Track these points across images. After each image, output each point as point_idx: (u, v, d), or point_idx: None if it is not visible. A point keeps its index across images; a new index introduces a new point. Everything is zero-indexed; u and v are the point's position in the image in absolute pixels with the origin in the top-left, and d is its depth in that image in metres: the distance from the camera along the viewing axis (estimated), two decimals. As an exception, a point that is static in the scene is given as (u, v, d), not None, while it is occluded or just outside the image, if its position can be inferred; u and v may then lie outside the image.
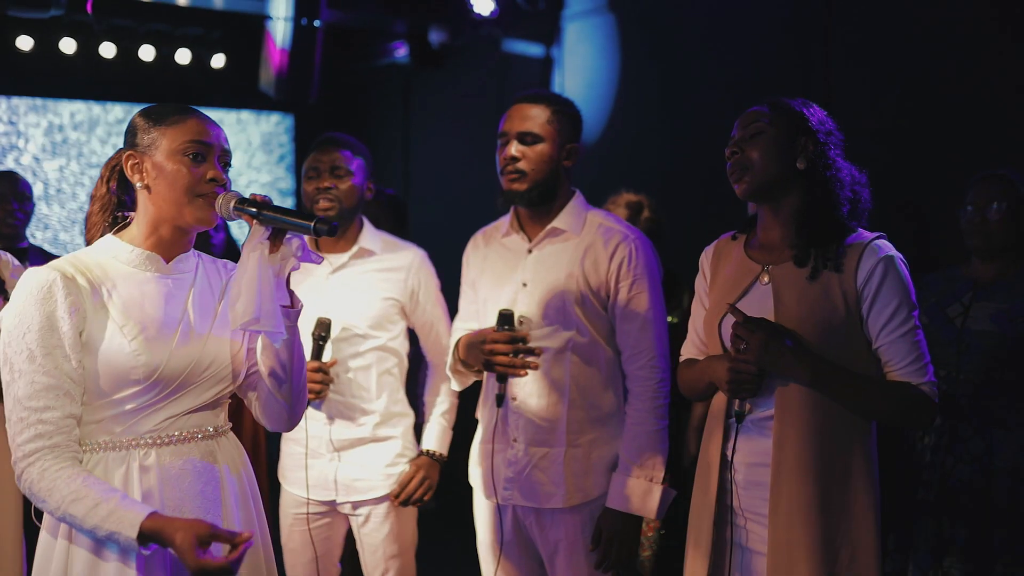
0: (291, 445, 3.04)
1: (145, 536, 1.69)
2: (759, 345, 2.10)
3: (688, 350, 2.45)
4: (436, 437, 3.05)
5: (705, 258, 2.41)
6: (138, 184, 1.91)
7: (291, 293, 1.89)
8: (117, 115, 6.24)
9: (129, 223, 1.96)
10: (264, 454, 4.22)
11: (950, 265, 3.06)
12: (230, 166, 1.96)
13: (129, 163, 1.91)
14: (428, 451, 3.04)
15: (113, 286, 1.87)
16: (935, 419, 2.21)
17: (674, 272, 3.73)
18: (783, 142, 2.19)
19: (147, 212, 1.92)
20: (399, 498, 2.97)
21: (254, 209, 1.85)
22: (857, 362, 2.15)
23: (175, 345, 1.87)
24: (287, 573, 3.08)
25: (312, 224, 1.81)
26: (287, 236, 1.86)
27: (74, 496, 1.73)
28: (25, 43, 5.54)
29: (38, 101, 5.89)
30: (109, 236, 1.95)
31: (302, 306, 1.92)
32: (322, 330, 2.85)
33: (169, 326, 1.89)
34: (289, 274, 1.88)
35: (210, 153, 1.90)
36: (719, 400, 2.27)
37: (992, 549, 2.78)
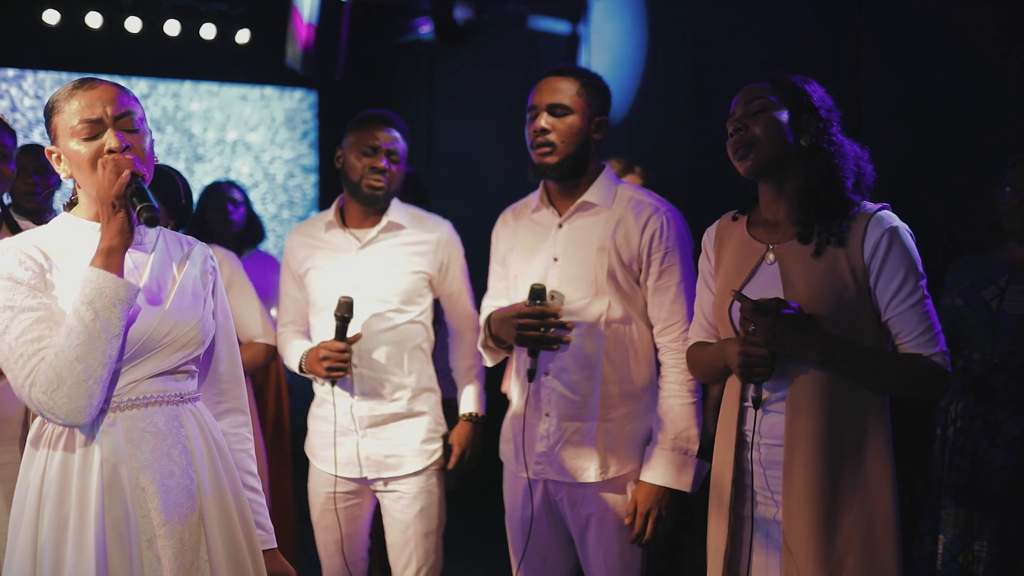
0: (320, 423, 3.03)
1: None
2: (767, 328, 2.08)
3: (696, 332, 2.44)
4: (473, 399, 3.11)
5: (708, 239, 2.40)
6: (63, 175, 1.94)
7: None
8: (142, 90, 6.24)
9: (76, 201, 2.00)
10: (288, 432, 4.22)
11: (986, 247, 3.02)
12: (135, 128, 1.93)
13: (52, 157, 1.94)
14: (468, 414, 3.08)
15: (70, 261, 1.90)
16: (948, 389, 2.21)
17: None
18: (787, 118, 2.19)
19: (86, 193, 1.96)
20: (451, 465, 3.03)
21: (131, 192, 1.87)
22: (867, 336, 2.14)
23: (131, 312, 1.88)
24: (319, 550, 3.09)
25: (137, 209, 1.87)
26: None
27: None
28: (52, 17, 5.54)
29: (64, 75, 5.89)
30: (63, 214, 1.99)
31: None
32: (344, 310, 2.82)
33: None
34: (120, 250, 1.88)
35: (101, 127, 1.89)
36: (733, 383, 2.26)
37: (1023, 535, 2.76)
